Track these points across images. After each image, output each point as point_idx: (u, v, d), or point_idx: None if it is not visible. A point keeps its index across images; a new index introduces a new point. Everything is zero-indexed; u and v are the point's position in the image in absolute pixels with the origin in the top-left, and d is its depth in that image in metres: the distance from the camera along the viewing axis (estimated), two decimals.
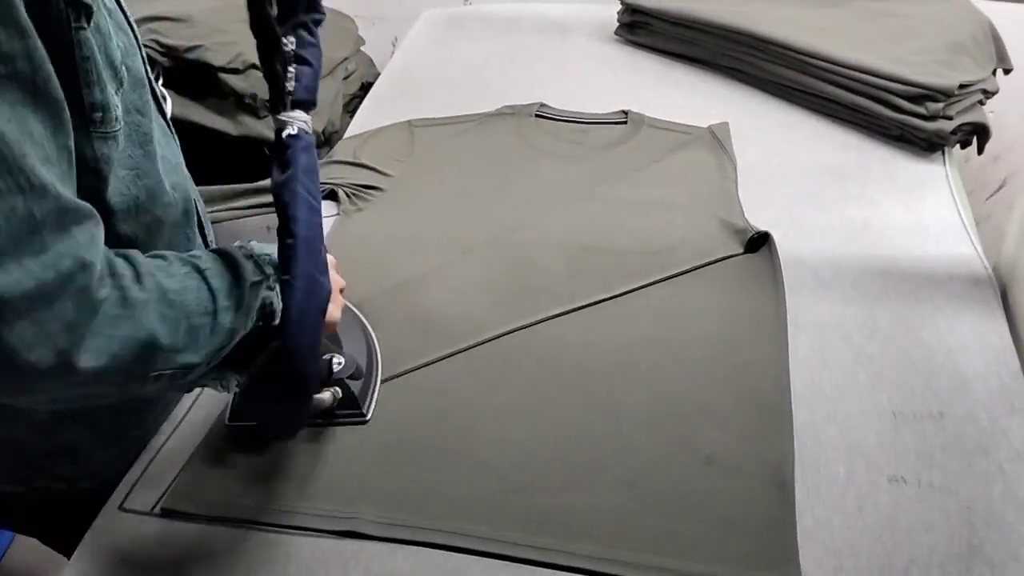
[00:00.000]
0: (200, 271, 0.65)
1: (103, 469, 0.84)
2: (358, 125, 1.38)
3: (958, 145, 1.24)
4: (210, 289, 0.65)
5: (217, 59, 1.35)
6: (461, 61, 1.56)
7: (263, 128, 1.38)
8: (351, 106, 1.56)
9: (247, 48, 1.40)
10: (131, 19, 0.73)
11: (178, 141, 0.81)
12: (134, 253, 0.62)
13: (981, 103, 1.26)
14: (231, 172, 1.24)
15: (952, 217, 1.11)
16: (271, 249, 0.71)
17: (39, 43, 0.54)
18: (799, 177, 1.20)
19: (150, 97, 0.73)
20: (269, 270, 0.70)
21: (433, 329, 0.96)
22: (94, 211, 0.58)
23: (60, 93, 0.56)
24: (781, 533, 0.74)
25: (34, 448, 0.82)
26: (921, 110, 1.19)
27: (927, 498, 0.77)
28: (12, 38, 0.52)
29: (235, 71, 1.37)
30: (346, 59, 1.58)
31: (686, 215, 1.11)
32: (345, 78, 1.57)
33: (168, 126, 0.79)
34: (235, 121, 1.39)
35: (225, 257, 0.69)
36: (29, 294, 0.52)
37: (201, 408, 0.89)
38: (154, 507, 0.79)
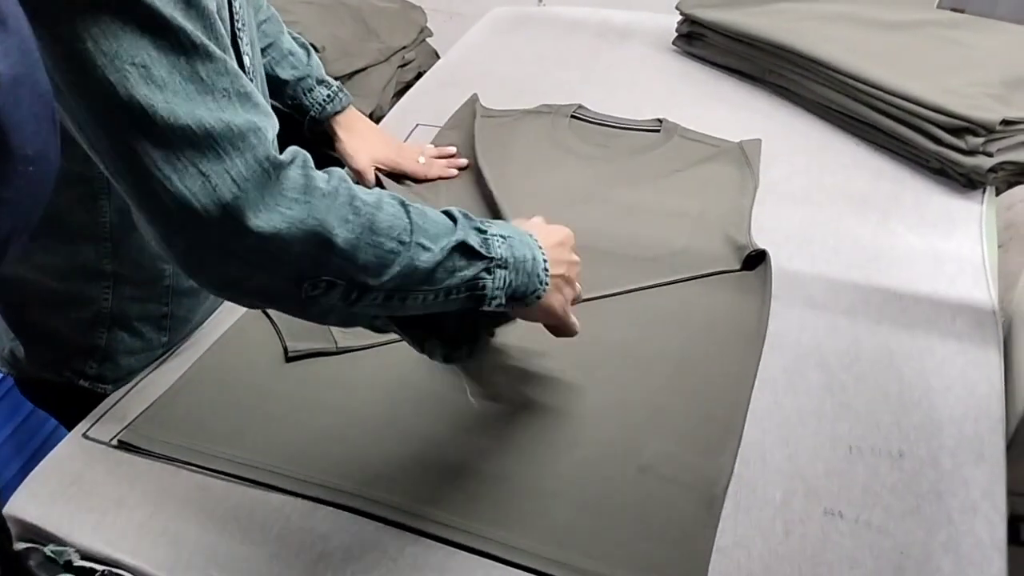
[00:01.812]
0: (405, 204, 0.67)
1: (126, 375, 0.92)
2: (398, 113, 1.43)
3: (996, 185, 1.17)
4: (410, 221, 0.66)
5: None
6: (515, 59, 1.58)
7: None
8: (403, 94, 1.60)
9: (306, 29, 1.46)
10: None
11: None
12: (342, 172, 0.66)
13: None
14: None
15: (974, 258, 1.05)
16: (510, 232, 0.74)
17: None
18: (822, 200, 1.16)
19: (232, 49, 0.78)
20: (497, 251, 0.71)
21: None
22: (272, 113, 0.63)
23: (210, 5, 0.60)
24: (696, 547, 0.72)
25: (70, 343, 0.90)
26: (961, 144, 1.13)
27: (860, 535, 0.74)
28: None
29: None
30: (405, 48, 1.62)
31: (692, 227, 1.10)
32: (402, 66, 1.61)
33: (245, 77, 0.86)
34: None
35: (449, 213, 0.71)
36: (197, 139, 0.56)
37: (193, 346, 0.95)
38: (113, 438, 0.84)
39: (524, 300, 0.74)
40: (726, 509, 0.76)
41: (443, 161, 1.22)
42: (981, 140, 1.12)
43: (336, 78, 1.45)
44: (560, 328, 0.82)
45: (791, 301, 0.98)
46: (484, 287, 0.71)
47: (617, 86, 1.46)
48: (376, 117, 1.49)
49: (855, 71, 1.24)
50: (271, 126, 0.61)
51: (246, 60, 0.84)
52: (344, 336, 0.93)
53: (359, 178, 1.18)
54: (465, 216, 0.72)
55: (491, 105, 1.38)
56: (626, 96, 1.42)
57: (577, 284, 0.82)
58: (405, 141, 1.32)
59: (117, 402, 0.89)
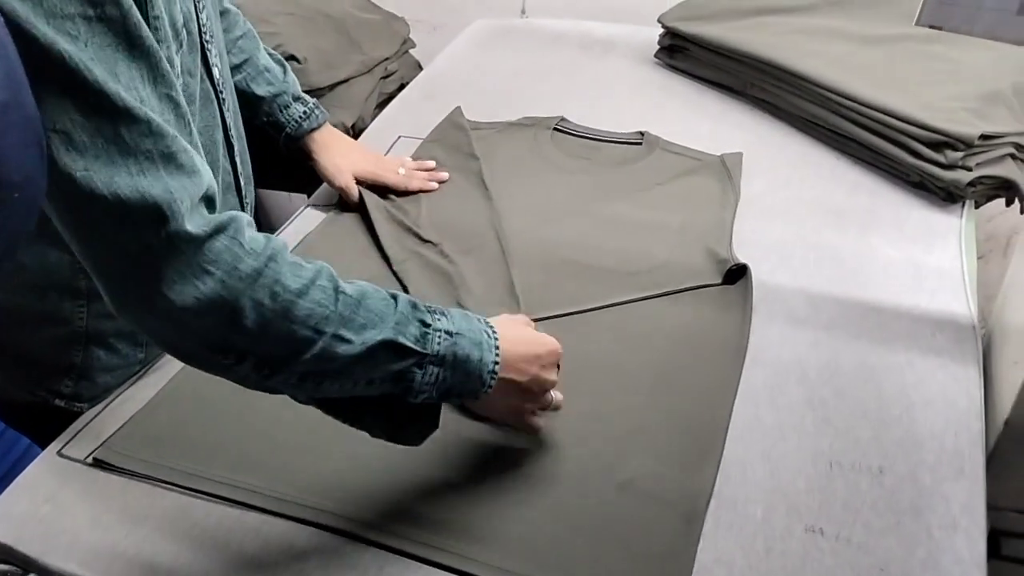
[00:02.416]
0: (338, 291, 0.65)
1: (102, 393, 0.90)
2: (380, 124, 1.42)
3: (975, 199, 1.18)
4: (336, 311, 0.64)
5: None
6: (497, 71, 1.58)
7: None
8: (385, 105, 1.59)
9: (287, 40, 1.46)
10: None
11: (226, 103, 0.89)
12: (283, 244, 0.65)
13: (1014, 157, 1.19)
14: None
15: (954, 272, 1.06)
16: (461, 328, 0.71)
17: None
18: (803, 214, 1.16)
19: (200, 60, 0.79)
20: (434, 348, 0.69)
21: None
22: (195, 161, 0.62)
23: (154, 43, 0.60)
24: (676, 564, 0.72)
25: (45, 362, 0.89)
26: (940, 158, 1.14)
27: (841, 552, 0.74)
28: None
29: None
30: (387, 59, 1.62)
31: (674, 240, 1.10)
32: (384, 78, 1.60)
33: (214, 89, 0.86)
34: None
35: (396, 300, 0.69)
36: (112, 209, 0.57)
37: (171, 362, 0.93)
38: (88, 456, 0.83)
39: (459, 398, 0.73)
40: (707, 526, 0.75)
41: (424, 174, 1.21)
42: (960, 154, 1.13)
43: (318, 89, 1.45)
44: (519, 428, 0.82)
45: (772, 315, 0.99)
46: (412, 380, 0.68)
47: (599, 98, 1.46)
48: (358, 129, 1.48)
49: (835, 85, 1.25)
50: (196, 188, 0.61)
51: (215, 71, 0.85)
52: None
53: (342, 194, 1.17)
54: (413, 307, 0.69)
55: (473, 117, 1.38)
56: (608, 109, 1.42)
57: (549, 396, 0.80)
58: (386, 153, 1.31)
59: (92, 419, 0.87)
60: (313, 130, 1.14)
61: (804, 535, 0.75)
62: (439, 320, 0.70)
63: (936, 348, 0.94)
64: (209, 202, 0.63)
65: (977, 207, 1.21)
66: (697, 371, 0.91)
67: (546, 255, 1.08)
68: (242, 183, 0.97)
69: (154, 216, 0.58)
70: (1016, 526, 0.95)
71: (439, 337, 0.69)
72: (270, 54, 1.12)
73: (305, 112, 1.12)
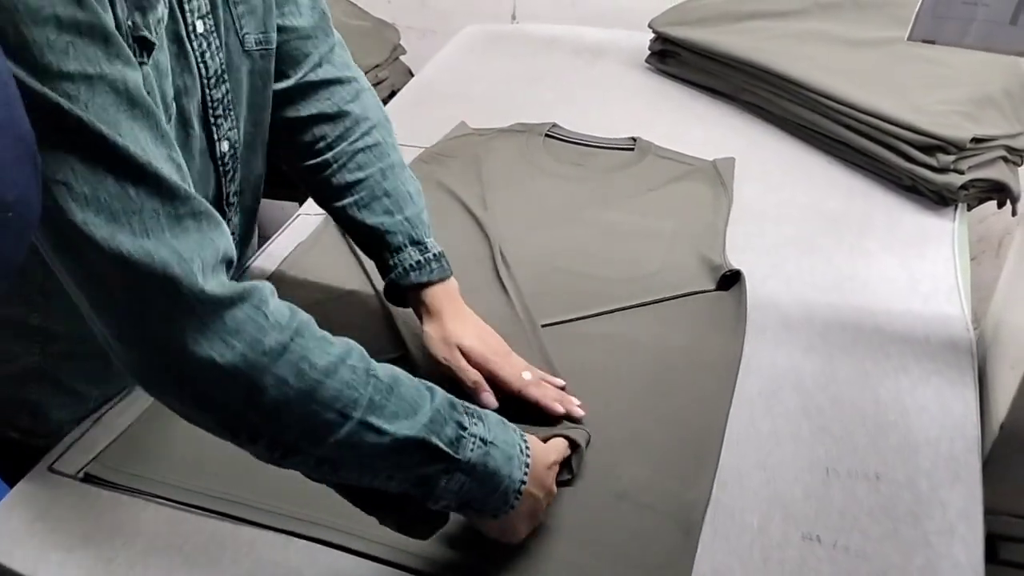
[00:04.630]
0: (370, 373, 0.61)
1: (59, 429, 0.88)
2: None
3: (968, 202, 1.18)
4: (367, 395, 0.60)
5: None
6: (489, 77, 1.58)
7: None
8: None
9: None
10: (218, 69, 0.75)
11: (230, 175, 0.83)
12: (308, 318, 0.61)
13: (1006, 160, 1.20)
14: None
15: (947, 276, 1.06)
16: (496, 438, 0.66)
17: (128, 52, 0.56)
18: (795, 219, 1.16)
19: (197, 136, 0.75)
20: (467, 455, 0.63)
21: (380, 331, 0.97)
22: (213, 212, 0.59)
23: (153, 104, 0.58)
24: (674, 575, 0.72)
25: (2, 397, 0.86)
26: (932, 161, 1.14)
27: (838, 560, 0.73)
28: (97, 42, 0.54)
29: None
30: (377, 66, 1.61)
31: (667, 246, 1.10)
32: (375, 85, 1.60)
33: (216, 166, 0.81)
34: None
35: (432, 393, 0.64)
36: (118, 268, 0.54)
37: None
38: (79, 471, 0.82)
39: (476, 512, 0.68)
40: (704, 535, 0.75)
41: (554, 392, 0.85)
42: (952, 158, 1.13)
43: None
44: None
45: (765, 321, 0.98)
46: (436, 485, 0.63)
47: (591, 104, 1.46)
48: None
49: (827, 89, 1.25)
50: (210, 250, 0.58)
51: (223, 146, 0.80)
52: None
53: (442, 369, 0.86)
54: (451, 405, 0.65)
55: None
56: (600, 114, 1.42)
57: (541, 516, 0.74)
58: None
59: (84, 433, 0.87)
60: (423, 285, 0.88)
61: (801, 543, 0.75)
62: (476, 424, 0.65)
63: (931, 352, 0.94)
64: (228, 265, 0.60)
65: (969, 210, 1.22)
66: (692, 379, 0.90)
67: (538, 263, 1.08)
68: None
69: (162, 278, 0.55)
70: (1013, 530, 0.95)
71: (473, 443, 0.64)
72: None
73: (418, 262, 0.87)
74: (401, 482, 0.64)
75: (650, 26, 1.53)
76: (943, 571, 0.72)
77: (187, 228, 0.57)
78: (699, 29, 1.47)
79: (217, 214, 0.61)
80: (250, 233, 0.94)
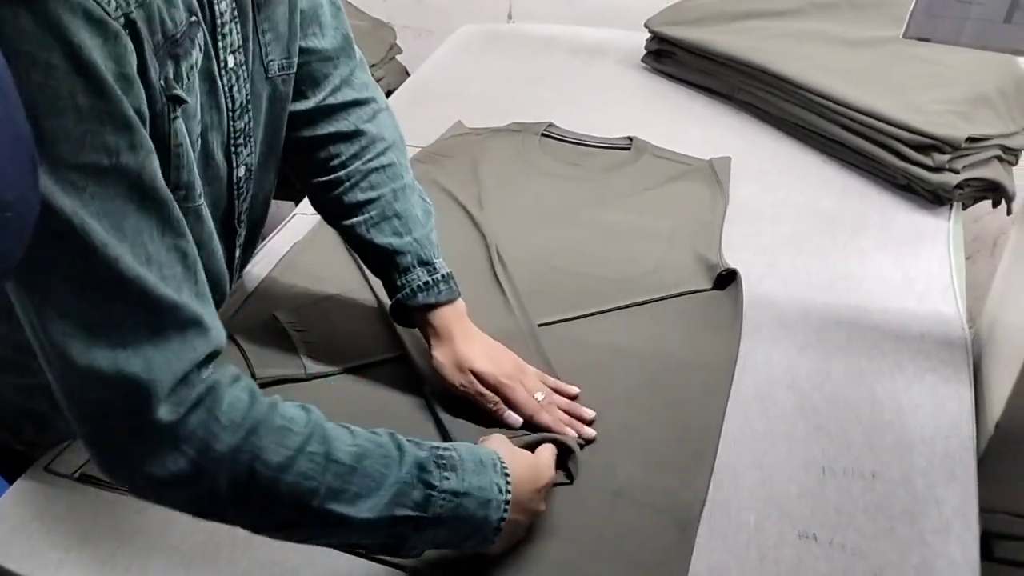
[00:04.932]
0: (330, 457, 0.61)
1: (61, 440, 0.86)
2: None
3: (963, 201, 1.18)
4: (325, 483, 0.60)
5: None
6: (485, 77, 1.58)
7: None
8: None
9: None
10: (243, 101, 0.75)
11: (239, 200, 0.82)
12: (268, 406, 0.62)
13: (1000, 159, 1.20)
14: None
15: (942, 275, 1.06)
16: (470, 487, 0.66)
17: (146, 139, 0.56)
18: (791, 218, 1.17)
19: (218, 165, 0.75)
20: (436, 511, 0.64)
21: (377, 331, 0.97)
22: (201, 319, 0.59)
23: (168, 193, 0.58)
24: (671, 573, 0.72)
25: (10, 407, 0.86)
26: (927, 160, 1.14)
27: (834, 558, 0.74)
28: (118, 131, 0.53)
29: None
30: (373, 65, 1.61)
31: (663, 246, 1.10)
32: None
33: (231, 189, 0.80)
34: None
35: (402, 454, 0.64)
36: (88, 377, 0.55)
37: None
38: (76, 471, 0.82)
39: (457, 549, 0.70)
40: (700, 534, 0.75)
41: (565, 413, 0.86)
42: (947, 157, 1.13)
43: None
44: None
45: (761, 320, 0.99)
46: (406, 539, 0.65)
47: (587, 104, 1.46)
48: None
49: (823, 89, 1.25)
50: (184, 358, 0.58)
51: (240, 171, 0.79)
52: (313, 362, 0.92)
53: (453, 392, 0.86)
54: (420, 468, 0.64)
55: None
56: (596, 114, 1.42)
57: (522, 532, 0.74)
58: None
59: None
60: (430, 306, 0.87)
61: (797, 541, 0.75)
62: (447, 480, 0.65)
63: (926, 351, 0.94)
64: (210, 359, 0.60)
65: (964, 209, 1.22)
66: (688, 378, 0.91)
67: (535, 262, 1.08)
68: (233, 268, 0.89)
69: (126, 395, 0.56)
70: (1008, 528, 0.95)
71: (444, 499, 0.64)
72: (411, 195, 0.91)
73: (426, 283, 0.86)
74: (372, 542, 0.66)
75: (646, 26, 1.53)
76: (939, 569, 0.73)
77: (168, 338, 0.57)
78: (695, 29, 1.47)
79: (205, 317, 0.60)
80: (254, 241, 0.94)
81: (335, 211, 0.90)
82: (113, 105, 0.53)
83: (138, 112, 0.56)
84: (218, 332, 0.62)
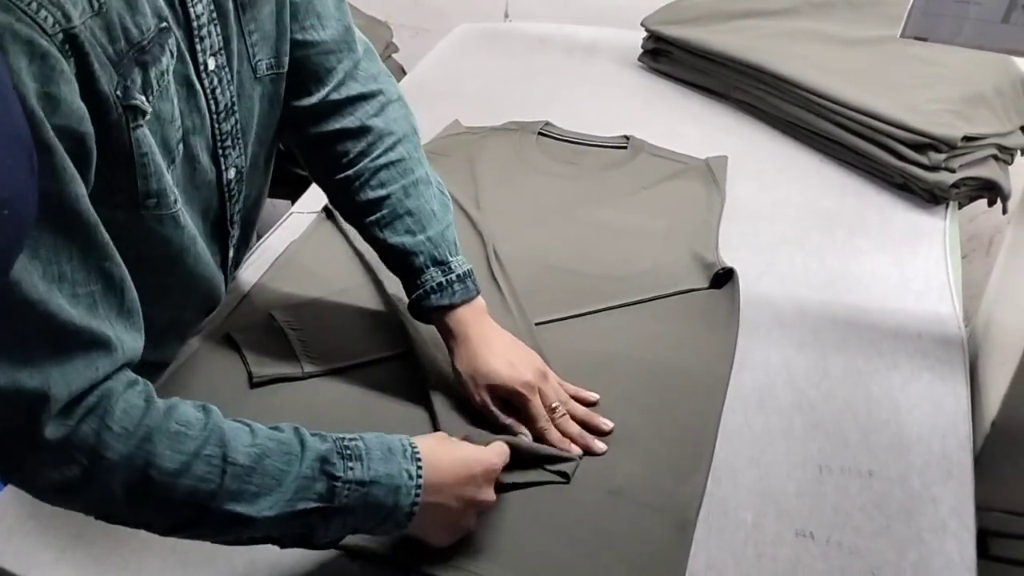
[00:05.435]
0: (227, 460, 0.61)
1: None
2: None
3: (959, 200, 1.19)
4: (221, 485, 0.60)
5: None
6: (482, 76, 1.58)
7: None
8: None
9: None
10: (228, 102, 0.75)
11: (235, 199, 0.83)
12: (164, 412, 0.62)
13: (996, 158, 1.20)
14: None
15: (939, 274, 1.06)
16: (375, 475, 0.65)
17: (68, 163, 0.55)
18: (788, 217, 1.17)
19: (204, 169, 0.75)
20: (342, 501, 0.64)
21: (374, 330, 0.96)
22: (109, 339, 0.60)
23: (92, 217, 0.57)
24: (668, 572, 0.72)
25: None
26: (923, 159, 1.15)
27: (832, 557, 0.74)
28: (42, 157, 0.52)
29: None
30: None
31: (660, 245, 1.10)
32: None
33: (221, 192, 0.80)
34: None
35: (303, 448, 0.64)
36: None
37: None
38: None
39: (372, 534, 0.69)
40: (698, 532, 0.75)
41: (575, 428, 0.84)
42: (943, 156, 1.13)
43: None
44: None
45: (758, 319, 0.99)
46: (314, 529, 0.65)
47: (584, 102, 1.46)
48: None
49: (819, 88, 1.26)
50: (82, 375, 0.58)
51: (230, 173, 0.79)
52: (310, 361, 0.92)
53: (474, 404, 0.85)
54: (322, 461, 0.64)
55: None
56: (593, 113, 1.42)
57: (472, 521, 0.73)
58: None
59: None
60: (445, 308, 0.85)
61: (795, 539, 0.75)
62: (351, 470, 0.64)
63: (923, 350, 0.95)
64: (107, 378, 0.60)
65: (960, 208, 1.22)
66: (685, 376, 0.91)
67: (532, 261, 1.08)
68: (228, 268, 0.90)
69: (20, 410, 0.56)
70: (1005, 526, 0.95)
71: (347, 489, 0.64)
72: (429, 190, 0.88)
73: (440, 284, 0.84)
74: (281, 535, 0.65)
75: (643, 24, 1.53)
76: (935, 567, 0.73)
77: (71, 357, 0.58)
78: (692, 28, 1.47)
79: (116, 336, 0.61)
80: (248, 238, 0.93)
81: (350, 210, 0.90)
82: (31, 128, 0.52)
83: (69, 131, 0.55)
84: (131, 349, 0.62)
